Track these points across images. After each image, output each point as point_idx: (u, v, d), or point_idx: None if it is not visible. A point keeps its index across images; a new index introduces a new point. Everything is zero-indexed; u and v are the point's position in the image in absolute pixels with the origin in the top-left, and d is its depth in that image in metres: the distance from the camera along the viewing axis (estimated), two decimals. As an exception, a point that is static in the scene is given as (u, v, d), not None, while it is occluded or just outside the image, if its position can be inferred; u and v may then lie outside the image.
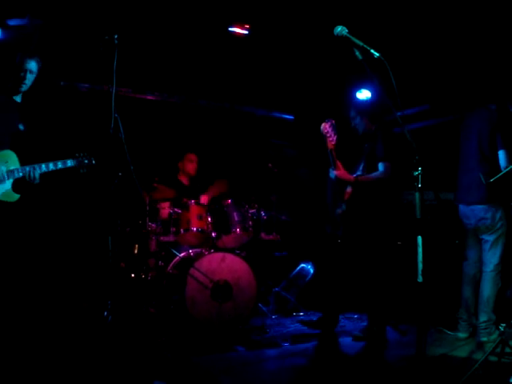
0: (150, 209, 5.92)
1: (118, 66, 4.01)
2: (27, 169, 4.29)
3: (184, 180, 6.92)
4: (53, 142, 5.17)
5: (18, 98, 4.42)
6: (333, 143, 4.93)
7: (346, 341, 5.12)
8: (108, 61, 3.98)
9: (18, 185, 4.35)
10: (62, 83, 4.23)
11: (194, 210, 5.95)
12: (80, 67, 5.88)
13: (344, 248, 5.08)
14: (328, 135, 4.91)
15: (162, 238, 6.00)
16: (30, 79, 4.37)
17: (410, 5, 5.52)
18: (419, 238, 3.11)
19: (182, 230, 5.90)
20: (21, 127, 4.34)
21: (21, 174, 4.29)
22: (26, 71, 4.31)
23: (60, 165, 4.46)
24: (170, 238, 6.00)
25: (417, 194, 3.16)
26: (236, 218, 6.01)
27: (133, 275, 5.89)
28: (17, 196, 4.36)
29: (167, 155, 7.03)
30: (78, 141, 5.85)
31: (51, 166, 4.41)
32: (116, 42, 3.91)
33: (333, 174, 4.99)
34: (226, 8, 5.73)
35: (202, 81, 7.06)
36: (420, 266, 3.09)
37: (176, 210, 6.05)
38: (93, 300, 5.86)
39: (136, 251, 6.01)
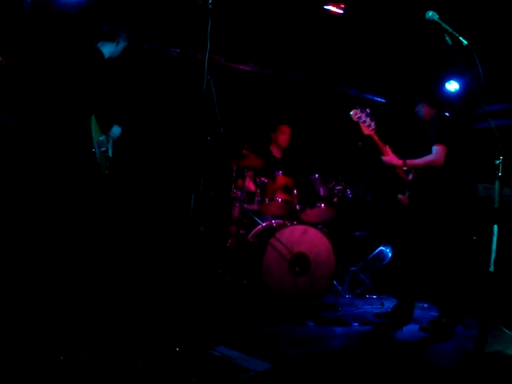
0: (236, 175, 5.99)
1: (212, 33, 4.00)
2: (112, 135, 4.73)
3: (275, 152, 6.91)
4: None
5: None
6: (370, 129, 4.93)
7: (412, 328, 5.04)
8: (201, 26, 3.98)
9: None
10: (145, 46, 4.26)
11: (281, 181, 5.93)
12: (172, 32, 5.96)
13: (412, 233, 5.08)
14: (361, 121, 4.91)
15: (245, 205, 6.03)
16: None
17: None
18: (495, 227, 3.06)
19: (266, 199, 5.88)
20: None
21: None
22: None
23: None
24: (254, 207, 6.02)
25: (496, 183, 3.11)
26: (322, 193, 5.97)
27: (212, 241, 6.00)
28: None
29: (258, 124, 7.04)
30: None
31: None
32: (210, 6, 3.91)
33: (382, 160, 5.01)
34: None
35: (296, 56, 7.03)
36: (493, 255, 3.03)
37: (263, 179, 6.02)
38: (165, 258, 5.99)
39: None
